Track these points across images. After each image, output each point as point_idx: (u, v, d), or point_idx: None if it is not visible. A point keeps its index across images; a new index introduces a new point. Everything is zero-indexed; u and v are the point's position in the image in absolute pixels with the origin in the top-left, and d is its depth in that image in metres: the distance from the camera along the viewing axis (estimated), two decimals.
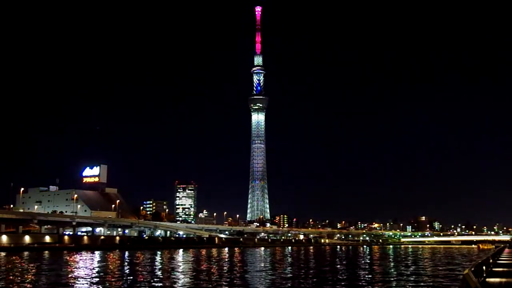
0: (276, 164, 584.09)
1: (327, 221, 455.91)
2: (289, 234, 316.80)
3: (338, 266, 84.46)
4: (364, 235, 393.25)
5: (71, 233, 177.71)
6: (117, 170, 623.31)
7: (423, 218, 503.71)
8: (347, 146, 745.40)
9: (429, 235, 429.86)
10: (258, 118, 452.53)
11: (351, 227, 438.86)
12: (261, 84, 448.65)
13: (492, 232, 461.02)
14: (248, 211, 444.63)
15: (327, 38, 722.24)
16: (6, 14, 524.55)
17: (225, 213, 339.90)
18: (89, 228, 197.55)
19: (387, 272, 69.38)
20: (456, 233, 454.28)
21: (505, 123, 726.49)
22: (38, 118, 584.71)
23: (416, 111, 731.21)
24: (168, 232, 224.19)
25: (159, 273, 63.83)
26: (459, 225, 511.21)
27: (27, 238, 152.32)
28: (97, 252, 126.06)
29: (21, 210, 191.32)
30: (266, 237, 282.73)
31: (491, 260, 35.47)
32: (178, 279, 55.36)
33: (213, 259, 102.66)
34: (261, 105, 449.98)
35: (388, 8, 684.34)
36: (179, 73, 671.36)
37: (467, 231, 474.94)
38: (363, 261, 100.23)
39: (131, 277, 56.74)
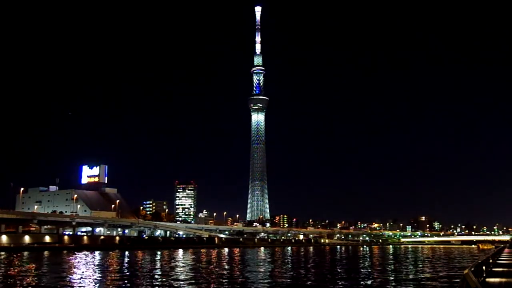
0: (276, 164, 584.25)
1: (327, 221, 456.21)
2: (289, 234, 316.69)
3: (338, 266, 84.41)
4: (364, 235, 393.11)
5: (71, 233, 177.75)
6: (117, 170, 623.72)
7: (423, 218, 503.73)
8: (347, 146, 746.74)
9: (429, 235, 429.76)
10: (258, 118, 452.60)
11: (351, 227, 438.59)
12: (261, 84, 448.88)
13: (492, 232, 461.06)
14: (248, 211, 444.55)
15: (326, 37, 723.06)
16: (9, 16, 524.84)
17: (225, 213, 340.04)
18: (89, 228, 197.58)
19: (387, 271, 69.31)
20: (456, 233, 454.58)
21: (504, 123, 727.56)
22: (37, 118, 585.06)
23: (416, 112, 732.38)
24: (168, 232, 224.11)
25: (158, 273, 63.79)
26: (459, 225, 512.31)
27: (27, 238, 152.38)
28: (97, 252, 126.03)
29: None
30: (266, 237, 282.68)
31: (491, 260, 35.42)
32: (178, 279, 55.30)
33: (213, 259, 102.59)
34: (261, 105, 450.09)
35: (388, 8, 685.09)
36: (179, 73, 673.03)
37: (467, 231, 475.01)
38: (362, 261, 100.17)
39: (131, 277, 56.68)
